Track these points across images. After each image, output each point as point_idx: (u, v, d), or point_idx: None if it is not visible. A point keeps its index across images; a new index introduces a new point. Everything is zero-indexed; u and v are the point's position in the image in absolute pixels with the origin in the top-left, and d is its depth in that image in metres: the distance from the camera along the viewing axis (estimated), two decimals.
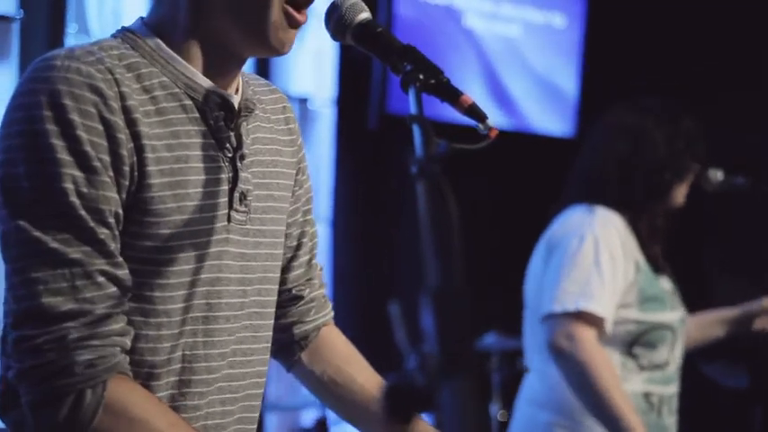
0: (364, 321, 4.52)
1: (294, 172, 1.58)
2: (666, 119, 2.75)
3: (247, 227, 1.47)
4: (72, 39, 3.13)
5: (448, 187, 1.06)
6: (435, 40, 4.55)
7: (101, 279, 1.32)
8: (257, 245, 1.49)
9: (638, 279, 2.69)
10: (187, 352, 1.40)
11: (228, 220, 1.44)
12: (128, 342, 1.35)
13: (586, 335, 2.59)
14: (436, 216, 1.02)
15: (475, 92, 4.65)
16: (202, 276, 1.41)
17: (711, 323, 2.96)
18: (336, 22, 1.41)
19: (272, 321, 1.55)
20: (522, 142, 4.82)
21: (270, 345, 1.54)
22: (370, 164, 4.63)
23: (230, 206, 1.44)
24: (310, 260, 1.64)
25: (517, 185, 4.93)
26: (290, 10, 1.41)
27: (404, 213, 4.60)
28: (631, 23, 5.18)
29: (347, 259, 4.55)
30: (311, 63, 4.27)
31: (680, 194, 2.78)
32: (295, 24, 1.42)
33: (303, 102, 4.24)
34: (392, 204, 4.67)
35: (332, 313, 1.68)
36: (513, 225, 4.67)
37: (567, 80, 5.02)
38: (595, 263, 2.62)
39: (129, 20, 3.31)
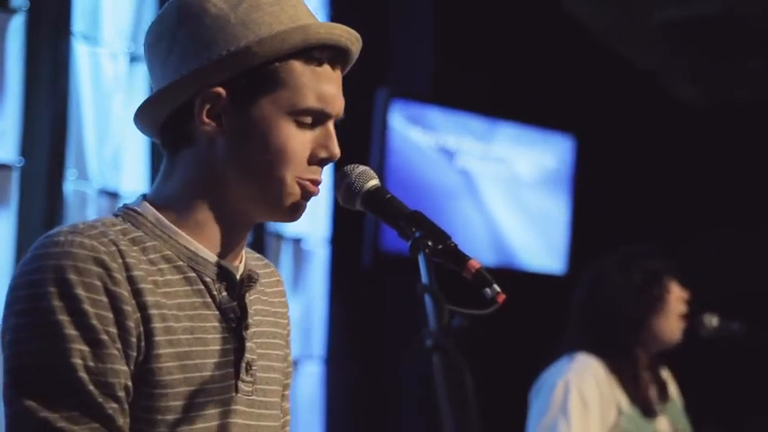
0: None
1: (286, 345, 1.60)
2: (623, 260, 2.87)
3: (253, 398, 1.47)
4: (71, 185, 3.17)
5: (463, 360, 1.07)
6: (428, 180, 4.62)
7: None
8: (260, 416, 1.48)
9: (620, 422, 2.75)
10: None
11: (236, 390, 1.44)
12: None
13: None
14: (452, 390, 1.03)
15: (467, 230, 4.70)
16: None
17: None
18: (346, 189, 1.45)
19: None
20: (513, 279, 4.84)
21: None
22: (364, 303, 4.64)
23: (237, 376, 1.44)
24: None
25: (508, 321, 4.94)
26: (305, 183, 1.45)
27: (399, 351, 4.59)
28: (619, 164, 5.27)
29: (341, 398, 4.52)
30: None
31: (667, 330, 2.84)
32: (307, 196, 1.46)
33: (297, 242, 4.28)
34: (386, 342, 4.66)
35: None
36: (505, 361, 4.67)
37: (558, 218, 5.08)
38: (562, 409, 2.72)
39: (128, 166, 3.35)
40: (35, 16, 3.08)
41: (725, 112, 5.42)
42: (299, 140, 1.43)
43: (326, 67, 1.45)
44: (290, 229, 4.19)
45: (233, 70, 1.41)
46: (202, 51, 1.41)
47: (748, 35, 5.22)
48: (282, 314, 1.59)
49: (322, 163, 1.46)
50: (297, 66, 1.43)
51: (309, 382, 4.27)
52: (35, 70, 3.09)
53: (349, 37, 1.47)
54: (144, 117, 1.48)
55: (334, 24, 1.46)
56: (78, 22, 3.21)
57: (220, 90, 1.42)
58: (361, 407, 4.62)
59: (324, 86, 1.44)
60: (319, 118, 1.45)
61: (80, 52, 3.20)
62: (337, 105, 1.47)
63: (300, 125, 1.44)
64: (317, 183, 1.46)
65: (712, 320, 2.83)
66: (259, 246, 3.98)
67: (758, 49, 5.29)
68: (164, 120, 1.46)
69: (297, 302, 4.21)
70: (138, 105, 1.46)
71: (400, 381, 4.61)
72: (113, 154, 3.29)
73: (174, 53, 1.43)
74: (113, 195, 3.31)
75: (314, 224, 4.35)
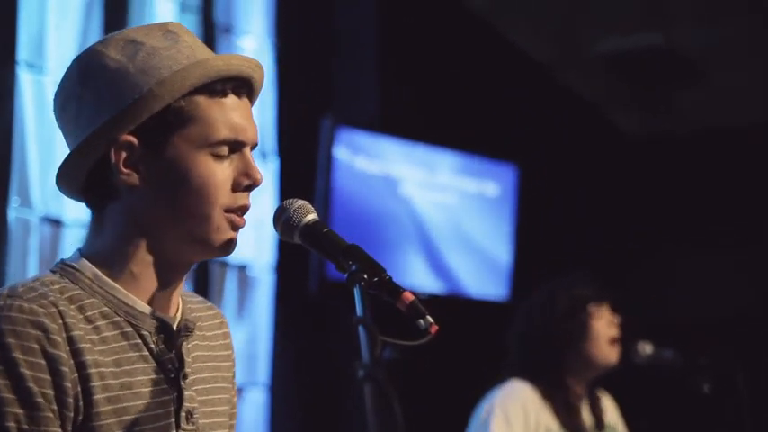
0: None
1: (231, 387, 1.62)
2: (551, 289, 2.95)
3: None
4: (14, 213, 3.16)
5: (393, 391, 1.11)
6: (373, 208, 4.65)
7: None
8: None
9: None
10: None
11: None
12: None
13: None
14: (382, 421, 1.06)
15: (411, 258, 4.74)
16: None
17: None
18: (285, 223, 1.49)
19: None
20: (456, 306, 4.89)
21: None
22: (310, 330, 4.65)
23: (177, 426, 1.46)
24: None
25: (451, 348, 4.97)
26: (231, 216, 1.48)
27: (343, 379, 4.61)
28: (561, 192, 5.35)
29: (285, 426, 4.52)
30: (251, 230, 4.33)
31: (597, 355, 2.90)
32: (236, 228, 1.49)
33: (242, 269, 4.29)
34: (331, 371, 4.67)
35: None
36: (448, 387, 4.70)
37: (501, 246, 5.13)
38: (484, 424, 2.78)
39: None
40: None
41: (665, 142, 5.53)
42: (218, 172, 1.46)
43: (232, 97, 1.49)
44: (235, 256, 4.19)
45: (140, 116, 1.44)
46: (109, 105, 1.44)
47: (688, 67, 5.33)
48: (225, 356, 1.61)
49: (246, 190, 1.50)
50: (201, 100, 1.46)
51: (253, 410, 4.27)
52: None
53: (249, 65, 1.50)
54: (64, 180, 1.50)
55: (231, 55, 1.50)
56: (23, 50, 3.21)
57: (131, 138, 1.45)
58: None
59: (232, 116, 1.47)
60: (235, 147, 1.49)
61: (24, 80, 3.21)
62: (249, 133, 1.50)
63: (217, 157, 1.47)
64: (244, 209, 1.49)
65: (646, 348, 2.88)
66: (203, 274, 3.99)
67: (698, 81, 5.40)
68: (84, 180, 1.49)
69: (241, 329, 4.21)
70: (57, 170, 1.48)
71: (345, 408, 4.63)
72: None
73: (83, 113, 1.46)
74: (56, 223, 3.31)
75: (259, 251, 4.36)
